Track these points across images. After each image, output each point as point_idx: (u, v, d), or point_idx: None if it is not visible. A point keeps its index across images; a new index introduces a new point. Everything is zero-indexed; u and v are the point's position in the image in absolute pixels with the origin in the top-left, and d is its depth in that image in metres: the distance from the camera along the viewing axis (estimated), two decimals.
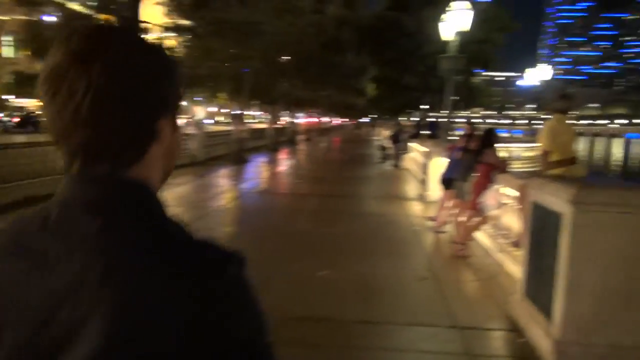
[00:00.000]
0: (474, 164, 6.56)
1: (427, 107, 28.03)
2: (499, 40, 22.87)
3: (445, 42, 11.67)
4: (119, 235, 0.63)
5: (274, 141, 25.86)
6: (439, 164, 9.95)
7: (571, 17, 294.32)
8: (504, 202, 6.17)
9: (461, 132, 8.28)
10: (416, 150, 15.96)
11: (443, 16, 11.52)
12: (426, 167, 11.68)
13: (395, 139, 19.68)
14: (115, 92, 0.63)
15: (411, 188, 13.13)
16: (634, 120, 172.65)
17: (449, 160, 8.07)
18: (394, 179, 15.66)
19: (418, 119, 26.67)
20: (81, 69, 0.62)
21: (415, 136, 18.62)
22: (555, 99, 4.72)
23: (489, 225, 6.69)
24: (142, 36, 0.74)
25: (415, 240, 7.48)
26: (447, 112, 11.32)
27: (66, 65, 0.63)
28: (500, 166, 6.27)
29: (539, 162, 4.70)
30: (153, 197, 0.69)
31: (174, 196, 10.24)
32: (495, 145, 6.38)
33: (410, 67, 21.30)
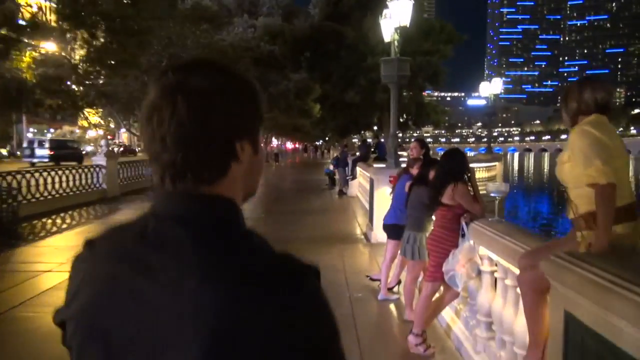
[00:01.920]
0: (432, 203, 4.19)
1: (375, 127, 26.11)
2: (447, 52, 21.37)
3: (389, 47, 9.49)
4: (208, 248, 0.70)
5: None
6: (385, 197, 7.61)
7: (511, 39, 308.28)
8: (487, 271, 3.79)
9: (410, 154, 5.96)
10: (363, 174, 13.64)
11: (384, 12, 9.37)
12: (372, 195, 9.34)
13: (339, 162, 17.40)
14: (195, 120, 0.72)
15: (355, 224, 10.74)
16: None
17: (392, 195, 5.72)
18: (338, 211, 13.26)
19: (369, 139, 24.67)
20: (167, 101, 0.73)
21: (363, 159, 16.38)
22: (577, 88, 2.42)
23: (461, 304, 4.29)
24: (225, 65, 0.80)
25: (354, 317, 4.97)
26: (393, 128, 9.05)
27: (158, 98, 0.74)
28: (474, 209, 3.92)
29: (575, 210, 2.34)
30: (236, 212, 0.77)
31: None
32: (463, 174, 4.04)
33: (353, 82, 19.33)
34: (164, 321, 0.66)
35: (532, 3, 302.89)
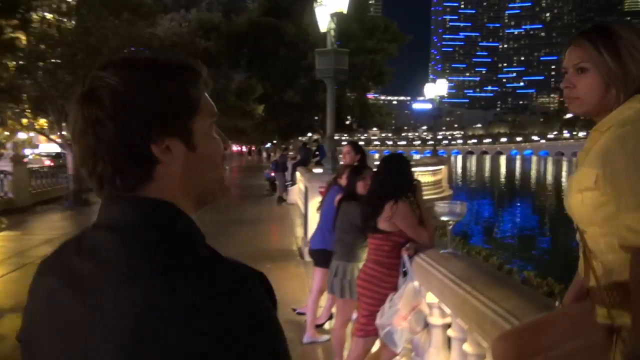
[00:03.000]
0: (365, 228, 3.11)
1: (320, 130, 25.17)
2: (392, 50, 20.64)
3: (327, 38, 8.43)
4: (128, 253, 0.69)
5: None
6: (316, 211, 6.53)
7: (454, 45, 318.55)
8: (438, 325, 2.68)
9: (342, 158, 4.87)
10: (301, 180, 12.52)
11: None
12: (306, 206, 8.25)
13: (279, 166, 16.22)
14: (102, 127, 0.72)
15: (292, 238, 9.59)
16: (515, 139, 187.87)
17: (320, 210, 4.64)
18: (274, 221, 12.08)
19: (314, 141, 23.61)
20: (78, 111, 0.74)
21: (303, 163, 15.28)
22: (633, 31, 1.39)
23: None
24: (139, 58, 0.79)
25: None
26: (330, 129, 7.99)
27: (73, 109, 0.75)
28: (420, 237, 2.86)
29: (595, 273, 1.28)
30: (167, 214, 0.74)
31: None
32: (407, 188, 2.97)
33: (293, 81, 18.13)
34: (85, 333, 0.66)
35: (473, 11, 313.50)
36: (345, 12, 7.64)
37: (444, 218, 2.69)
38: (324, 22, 8.24)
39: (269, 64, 17.67)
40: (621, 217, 1.16)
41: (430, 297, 2.69)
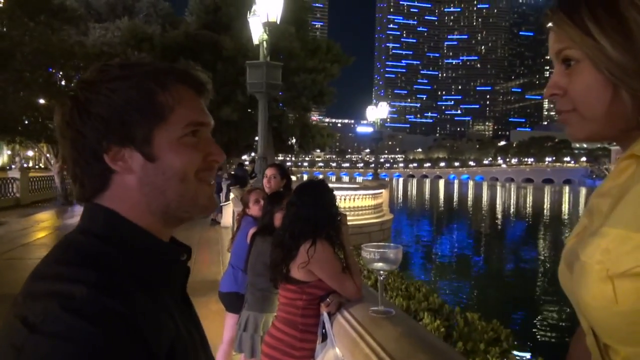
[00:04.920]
0: (275, 274, 2.42)
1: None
2: (333, 71, 20.28)
3: (274, 52, 7.81)
4: (48, 257, 0.70)
5: None
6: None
7: (397, 72, 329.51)
8: None
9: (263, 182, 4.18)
10: (235, 201, 11.69)
11: (253, 8, 7.68)
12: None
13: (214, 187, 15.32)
14: (62, 138, 0.75)
15: (219, 267, 8.72)
16: (453, 164, 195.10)
17: (231, 246, 3.93)
18: (204, 245, 11.13)
19: (252, 162, 22.81)
20: (55, 120, 0.76)
21: (241, 183, 14.49)
22: None
23: None
24: (101, 68, 0.76)
25: None
26: (262, 149, 7.32)
27: (54, 117, 0.77)
28: (344, 289, 2.20)
29: None
30: (102, 223, 0.73)
31: None
32: (329, 224, 2.32)
33: (231, 98, 17.26)
34: None
35: (415, 41, 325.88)
36: (277, 21, 7.06)
37: (373, 266, 2.06)
38: (256, 33, 7.63)
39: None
40: None
41: None
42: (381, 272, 2.05)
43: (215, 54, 16.31)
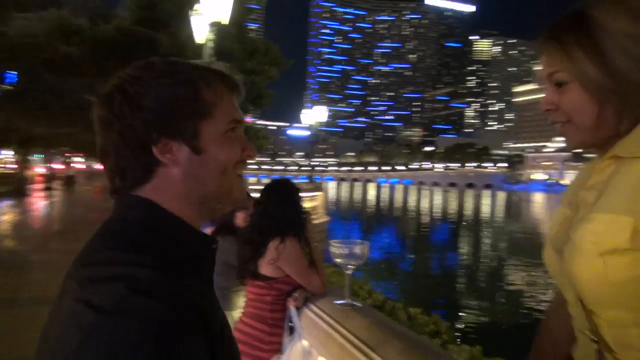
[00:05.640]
0: (243, 270, 2.48)
1: None
2: (272, 73, 20.29)
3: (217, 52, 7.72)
4: (91, 247, 0.73)
5: None
6: None
7: (330, 77, 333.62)
8: None
9: None
10: None
11: (196, 6, 7.58)
12: None
13: None
14: (103, 130, 0.77)
15: None
16: (383, 167, 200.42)
17: None
18: None
19: None
20: (96, 109, 0.78)
21: None
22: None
23: None
24: (147, 64, 0.80)
25: None
26: None
27: (95, 108, 0.79)
28: (311, 284, 2.32)
29: None
30: (146, 214, 0.76)
31: None
32: (297, 222, 2.42)
33: None
34: (51, 323, 0.68)
35: (348, 46, 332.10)
36: (226, 22, 7.04)
37: (341, 261, 2.18)
38: (201, 32, 7.54)
39: None
40: None
41: None
42: (349, 266, 2.19)
43: (151, 52, 15.74)
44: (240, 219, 2.97)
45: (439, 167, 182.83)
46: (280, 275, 2.33)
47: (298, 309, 2.30)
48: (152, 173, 0.77)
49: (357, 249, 2.20)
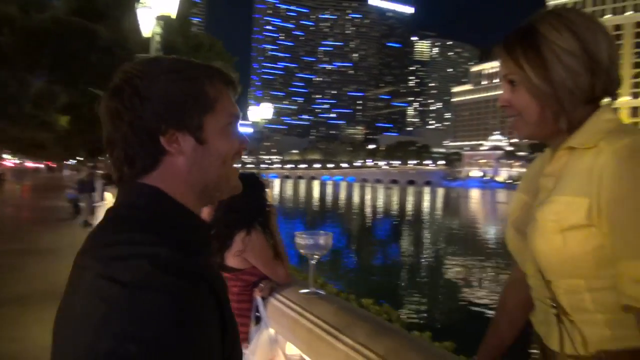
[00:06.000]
0: (216, 258, 2.51)
1: None
2: None
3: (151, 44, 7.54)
4: (105, 229, 0.80)
5: None
6: None
7: (274, 74, 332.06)
8: None
9: None
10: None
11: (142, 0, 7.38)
12: None
13: (85, 186, 14.22)
14: (121, 118, 0.81)
15: None
16: (327, 165, 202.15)
17: None
18: (76, 249, 10.33)
19: None
20: (105, 101, 0.84)
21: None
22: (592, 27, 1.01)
23: None
24: (153, 59, 0.87)
25: None
26: None
27: (103, 99, 0.84)
28: (276, 274, 2.39)
29: (574, 335, 0.98)
30: (152, 199, 0.81)
31: None
32: (261, 215, 2.50)
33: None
34: (72, 298, 0.74)
35: (292, 44, 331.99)
36: (173, 16, 6.91)
37: (306, 251, 2.28)
38: (147, 25, 7.36)
39: (78, 70, 15.44)
40: (623, 266, 0.86)
41: (292, 349, 2.23)
42: (313, 256, 2.29)
43: (88, 44, 15.10)
44: (205, 213, 3.00)
45: (382, 164, 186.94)
46: (246, 266, 2.40)
47: (264, 299, 2.37)
48: (159, 162, 0.82)
49: (321, 240, 2.30)
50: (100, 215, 13.46)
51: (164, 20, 6.84)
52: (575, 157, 1.00)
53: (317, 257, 2.29)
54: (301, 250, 2.30)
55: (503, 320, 1.32)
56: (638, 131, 0.93)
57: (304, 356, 2.15)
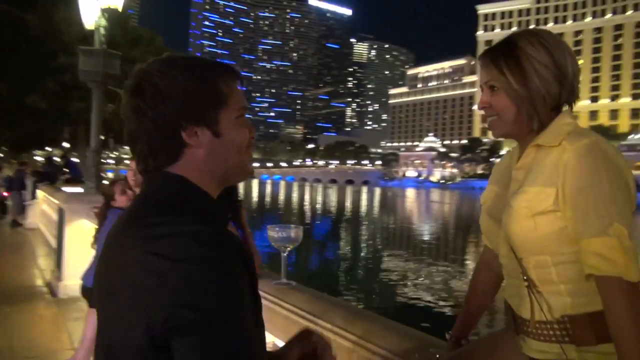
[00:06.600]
0: None
1: (68, 143, 22.00)
2: None
3: (91, 36, 7.31)
4: (139, 212, 0.87)
5: None
6: (84, 231, 5.46)
7: None
8: None
9: (122, 176, 4.11)
10: (48, 200, 10.45)
11: None
12: (61, 232, 6.85)
13: (14, 184, 13.40)
14: (144, 115, 0.89)
15: (34, 271, 7.83)
16: (266, 164, 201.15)
17: (96, 241, 3.78)
18: (7, 251, 9.76)
19: (58, 157, 20.37)
20: (127, 99, 0.91)
21: (50, 179, 12.94)
22: (553, 44, 1.22)
23: None
24: (168, 58, 0.94)
25: None
26: (95, 141, 6.89)
27: (124, 97, 0.92)
28: None
29: (538, 302, 1.16)
30: (180, 187, 0.89)
31: None
32: (231, 209, 2.58)
33: (39, 85, 15.15)
34: (116, 274, 0.83)
35: (230, 41, 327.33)
36: (120, 9, 6.72)
37: (279, 243, 2.40)
38: (90, 17, 7.12)
39: (6, 61, 14.42)
40: (585, 243, 1.06)
41: (268, 337, 2.34)
42: (285, 248, 2.40)
43: (18, 33, 14.14)
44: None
45: (321, 164, 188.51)
46: None
47: None
48: (181, 154, 0.90)
49: (292, 233, 2.43)
50: (32, 214, 12.72)
51: (109, 12, 6.64)
52: (541, 154, 1.20)
53: (289, 249, 2.41)
54: (273, 243, 2.41)
55: (474, 297, 1.51)
56: (592, 133, 1.15)
57: (277, 342, 2.26)
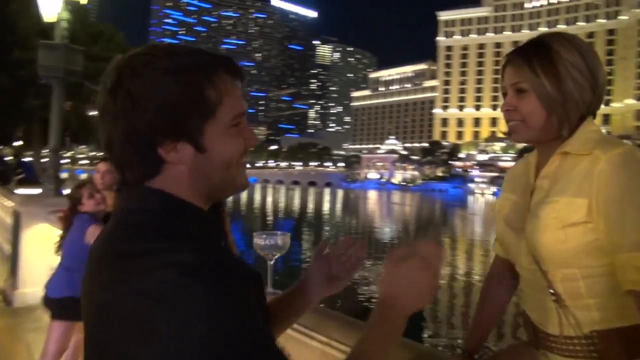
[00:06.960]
0: None
1: (21, 142, 21.02)
2: None
3: (51, 30, 6.96)
4: (115, 231, 0.78)
5: None
6: (43, 236, 5.17)
7: None
8: None
9: (87, 176, 3.89)
10: (1, 203, 9.87)
11: None
12: (17, 236, 6.46)
13: None
14: (115, 122, 0.77)
15: None
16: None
17: (61, 247, 3.56)
18: None
19: (10, 156, 19.44)
20: (101, 99, 0.79)
21: (2, 180, 12.27)
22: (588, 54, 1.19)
23: None
24: (148, 63, 0.78)
25: None
26: (55, 140, 6.56)
27: (99, 97, 0.80)
28: None
29: (568, 317, 1.11)
30: (160, 203, 0.78)
31: None
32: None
33: None
34: (101, 299, 0.73)
35: (193, 39, 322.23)
36: (84, 1, 6.40)
37: (265, 251, 2.29)
38: (51, 9, 6.78)
39: None
40: (624, 257, 1.01)
41: None
42: (272, 256, 2.30)
43: None
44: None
45: (283, 165, 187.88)
46: None
47: None
48: (160, 169, 0.78)
49: (279, 240, 2.32)
50: None
51: (72, 5, 6.33)
52: (569, 162, 1.15)
53: (276, 257, 2.30)
54: (259, 251, 2.30)
55: (485, 309, 1.46)
56: (623, 141, 1.12)
57: None
